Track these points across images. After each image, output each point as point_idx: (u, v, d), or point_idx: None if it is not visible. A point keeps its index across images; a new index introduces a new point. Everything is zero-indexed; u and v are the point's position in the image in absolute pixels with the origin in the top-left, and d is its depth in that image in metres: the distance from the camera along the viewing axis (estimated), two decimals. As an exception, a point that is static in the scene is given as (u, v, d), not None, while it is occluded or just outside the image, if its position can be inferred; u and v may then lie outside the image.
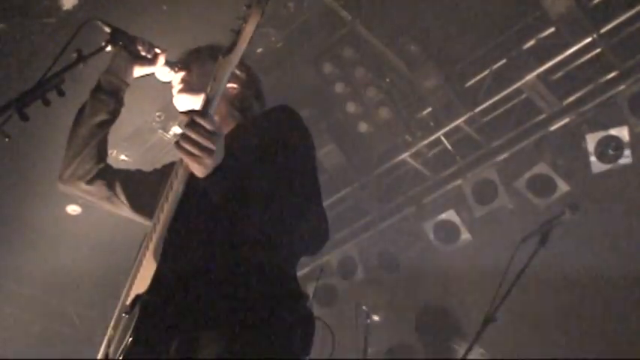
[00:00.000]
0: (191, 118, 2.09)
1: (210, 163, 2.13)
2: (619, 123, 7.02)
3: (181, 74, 2.85)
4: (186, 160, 2.15)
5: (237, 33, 2.26)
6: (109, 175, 2.85)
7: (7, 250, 8.33)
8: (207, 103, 2.20)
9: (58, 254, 8.56)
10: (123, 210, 2.89)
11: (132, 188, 2.87)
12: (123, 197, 2.85)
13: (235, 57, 2.25)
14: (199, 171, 2.16)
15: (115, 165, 2.94)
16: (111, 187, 2.84)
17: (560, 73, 7.42)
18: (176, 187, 2.31)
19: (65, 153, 2.82)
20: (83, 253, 8.76)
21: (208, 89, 2.23)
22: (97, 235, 8.57)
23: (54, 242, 8.54)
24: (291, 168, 2.42)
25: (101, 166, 2.83)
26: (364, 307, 6.14)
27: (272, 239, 2.36)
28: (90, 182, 2.82)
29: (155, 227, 2.31)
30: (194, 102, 2.70)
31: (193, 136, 2.08)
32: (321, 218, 2.44)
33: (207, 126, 2.09)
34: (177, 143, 2.10)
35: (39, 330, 9.48)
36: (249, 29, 2.25)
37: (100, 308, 9.31)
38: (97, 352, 2.35)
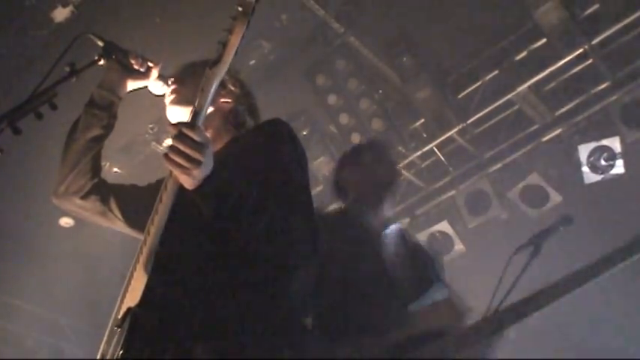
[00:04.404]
0: (179, 130, 2.10)
1: (198, 174, 2.13)
2: (611, 133, 7.05)
3: (174, 87, 2.85)
4: (175, 171, 2.15)
5: (224, 45, 2.28)
6: (103, 190, 2.84)
7: (0, 263, 8.30)
8: (195, 115, 2.22)
9: (50, 266, 8.52)
10: (117, 225, 2.88)
11: (126, 203, 2.86)
12: (117, 212, 2.84)
13: (222, 68, 2.27)
14: (188, 183, 2.17)
15: (108, 177, 2.93)
16: (105, 202, 2.83)
17: (552, 84, 7.45)
18: (165, 199, 2.30)
19: (59, 168, 2.81)
20: (76, 265, 8.72)
21: (196, 101, 2.25)
22: (90, 248, 8.54)
23: (46, 254, 8.51)
24: (282, 180, 2.43)
25: (95, 181, 2.82)
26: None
27: (262, 251, 2.35)
28: (84, 197, 2.81)
29: (146, 240, 2.31)
30: (186, 115, 2.70)
31: (181, 147, 2.09)
32: (312, 231, 2.45)
33: (195, 137, 2.10)
34: (165, 155, 2.11)
35: (32, 343, 9.42)
36: (234, 40, 2.27)
37: (93, 321, 9.26)
38: (91, 365, 2.34)
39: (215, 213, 2.23)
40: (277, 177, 2.42)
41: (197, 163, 2.10)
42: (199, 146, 2.10)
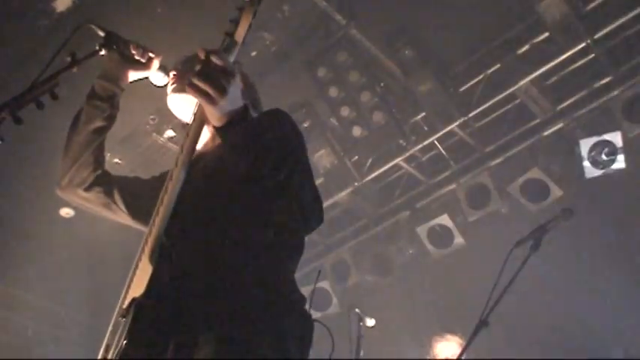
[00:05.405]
0: (206, 56, 2.08)
1: (224, 105, 2.11)
2: (612, 128, 7.05)
3: (175, 78, 2.84)
4: (199, 99, 2.13)
5: (231, 35, 2.27)
6: (106, 182, 2.83)
7: (0, 253, 8.30)
8: (226, 47, 2.26)
9: (50, 257, 8.53)
10: (121, 217, 2.86)
11: (130, 195, 2.84)
12: (121, 204, 2.83)
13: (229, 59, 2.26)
14: (213, 115, 2.15)
15: (109, 168, 2.92)
16: (109, 194, 2.82)
17: (554, 79, 7.45)
18: (171, 190, 2.30)
19: (62, 160, 2.80)
20: (76, 255, 8.73)
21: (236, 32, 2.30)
22: (90, 238, 8.54)
23: (47, 245, 8.51)
24: (283, 151, 2.38)
25: (99, 172, 2.81)
26: (357, 310, 6.14)
27: (274, 217, 2.35)
28: (88, 189, 2.80)
29: (151, 230, 2.31)
30: (188, 106, 2.70)
31: (207, 73, 2.07)
32: (316, 197, 2.45)
33: (222, 64, 2.08)
34: (190, 83, 2.08)
35: (32, 333, 9.44)
36: (240, 31, 2.27)
37: (93, 312, 9.28)
38: (90, 355, 2.34)
39: (239, 156, 2.21)
40: (279, 148, 2.38)
41: (223, 90, 2.07)
42: (226, 73, 2.08)
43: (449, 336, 6.92)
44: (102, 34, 2.75)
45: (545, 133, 7.56)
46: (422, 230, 8.22)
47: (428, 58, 7.33)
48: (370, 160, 8.14)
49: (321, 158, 7.92)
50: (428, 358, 7.98)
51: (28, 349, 9.18)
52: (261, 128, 2.29)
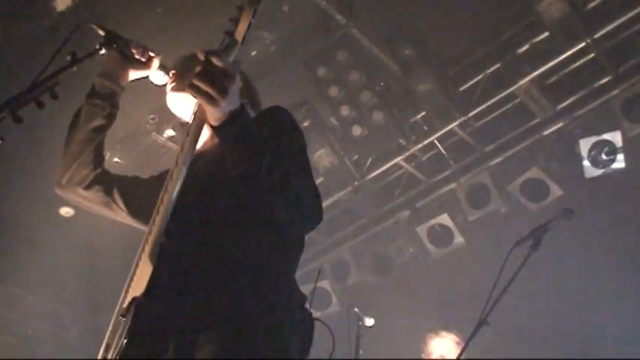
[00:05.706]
0: (206, 57, 2.09)
1: (224, 105, 2.13)
2: (612, 128, 7.05)
3: (175, 77, 2.84)
4: (201, 101, 2.15)
5: (231, 34, 2.27)
6: (106, 181, 2.83)
7: (0, 253, 8.30)
8: (226, 47, 2.26)
9: (50, 256, 8.52)
10: (120, 215, 2.87)
11: (130, 194, 2.85)
12: (121, 203, 2.83)
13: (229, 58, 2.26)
14: (213, 115, 2.17)
15: (108, 167, 2.92)
16: (108, 192, 2.82)
17: (554, 78, 7.44)
18: (171, 188, 2.30)
19: (62, 158, 2.80)
20: (76, 255, 8.73)
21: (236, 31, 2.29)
22: (90, 237, 8.54)
23: (46, 244, 8.51)
24: (280, 149, 2.39)
25: (98, 171, 2.81)
26: (356, 310, 6.15)
27: (274, 215, 2.35)
28: (87, 188, 2.80)
29: (151, 229, 2.31)
30: (187, 104, 2.70)
31: (208, 74, 2.08)
32: (315, 195, 2.45)
33: (223, 65, 2.10)
34: (191, 84, 2.10)
35: (31, 332, 9.44)
36: (240, 30, 2.27)
37: (93, 311, 9.28)
38: (90, 354, 2.34)
39: (236, 154, 2.22)
40: (279, 144, 2.40)
41: (224, 91, 2.09)
42: (226, 75, 2.10)
43: (444, 333, 6.93)
44: (102, 33, 2.76)
45: (545, 133, 7.56)
46: (422, 230, 8.22)
47: (427, 58, 7.33)
48: (370, 160, 8.13)
49: (320, 158, 7.92)
50: (428, 357, 7.98)
51: (28, 349, 9.19)
52: (258, 126, 2.30)
